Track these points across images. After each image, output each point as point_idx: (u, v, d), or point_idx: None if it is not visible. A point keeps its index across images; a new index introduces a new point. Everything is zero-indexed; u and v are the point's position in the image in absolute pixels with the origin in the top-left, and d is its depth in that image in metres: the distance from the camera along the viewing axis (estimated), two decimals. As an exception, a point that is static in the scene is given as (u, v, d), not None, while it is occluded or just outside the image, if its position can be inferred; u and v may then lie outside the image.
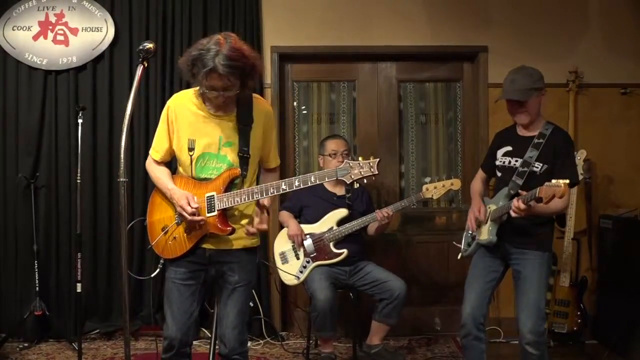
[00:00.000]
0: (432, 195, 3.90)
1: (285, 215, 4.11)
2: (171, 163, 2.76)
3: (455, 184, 3.89)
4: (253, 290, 4.46)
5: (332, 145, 4.07)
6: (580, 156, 4.10)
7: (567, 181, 2.68)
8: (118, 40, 4.46)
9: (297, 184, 2.44)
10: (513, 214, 2.90)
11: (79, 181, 3.99)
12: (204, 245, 2.62)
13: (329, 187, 4.09)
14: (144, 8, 4.46)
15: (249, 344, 4.36)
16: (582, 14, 4.64)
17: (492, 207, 3.15)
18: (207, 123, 2.59)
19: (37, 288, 4.30)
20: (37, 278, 4.30)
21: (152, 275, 2.81)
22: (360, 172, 2.35)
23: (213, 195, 2.54)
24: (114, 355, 4.13)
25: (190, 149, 2.58)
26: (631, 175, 4.62)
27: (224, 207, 2.53)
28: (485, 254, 3.22)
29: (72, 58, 4.43)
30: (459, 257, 3.40)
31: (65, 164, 4.45)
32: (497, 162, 3.21)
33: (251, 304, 4.46)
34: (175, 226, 2.62)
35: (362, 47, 4.62)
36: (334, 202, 4.04)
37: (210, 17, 4.49)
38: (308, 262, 3.94)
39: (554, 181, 2.70)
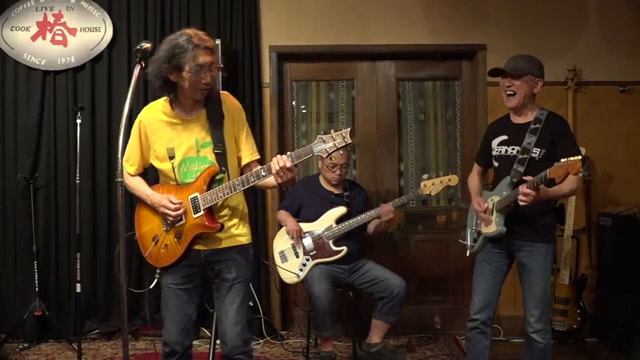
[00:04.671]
0: (430, 192, 3.89)
1: (283, 214, 4.11)
2: (146, 173, 2.77)
3: (453, 179, 3.88)
4: (252, 290, 4.48)
5: (335, 158, 3.85)
6: (579, 154, 4.09)
7: (579, 157, 2.63)
8: (116, 40, 4.46)
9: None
10: (521, 203, 2.85)
11: (78, 181, 3.99)
12: (197, 247, 2.63)
13: (326, 185, 4.09)
14: (142, 8, 4.46)
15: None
16: (581, 12, 4.64)
17: (496, 198, 3.11)
18: (181, 129, 2.60)
19: (37, 288, 4.30)
20: (36, 278, 4.30)
21: (151, 287, 2.80)
22: (335, 145, 2.35)
23: (196, 196, 2.55)
24: (113, 356, 4.14)
25: (171, 157, 2.60)
26: (630, 173, 4.62)
27: (208, 205, 2.54)
28: (491, 249, 3.19)
29: (71, 58, 4.43)
30: (467, 254, 3.35)
31: (64, 164, 4.45)
32: (494, 152, 3.20)
33: (250, 303, 4.46)
34: (165, 233, 2.62)
35: (361, 46, 4.62)
36: (332, 201, 4.04)
37: (209, 16, 4.49)
38: (308, 260, 3.95)
39: (563, 160, 2.66)
